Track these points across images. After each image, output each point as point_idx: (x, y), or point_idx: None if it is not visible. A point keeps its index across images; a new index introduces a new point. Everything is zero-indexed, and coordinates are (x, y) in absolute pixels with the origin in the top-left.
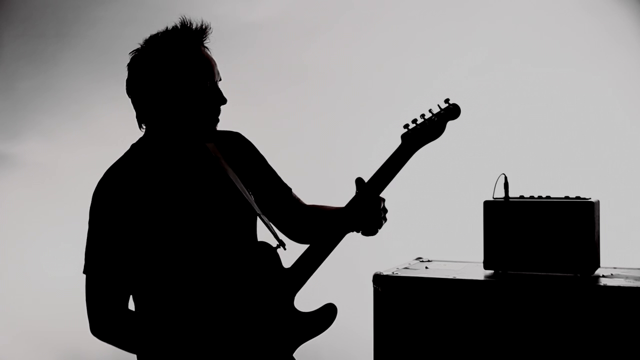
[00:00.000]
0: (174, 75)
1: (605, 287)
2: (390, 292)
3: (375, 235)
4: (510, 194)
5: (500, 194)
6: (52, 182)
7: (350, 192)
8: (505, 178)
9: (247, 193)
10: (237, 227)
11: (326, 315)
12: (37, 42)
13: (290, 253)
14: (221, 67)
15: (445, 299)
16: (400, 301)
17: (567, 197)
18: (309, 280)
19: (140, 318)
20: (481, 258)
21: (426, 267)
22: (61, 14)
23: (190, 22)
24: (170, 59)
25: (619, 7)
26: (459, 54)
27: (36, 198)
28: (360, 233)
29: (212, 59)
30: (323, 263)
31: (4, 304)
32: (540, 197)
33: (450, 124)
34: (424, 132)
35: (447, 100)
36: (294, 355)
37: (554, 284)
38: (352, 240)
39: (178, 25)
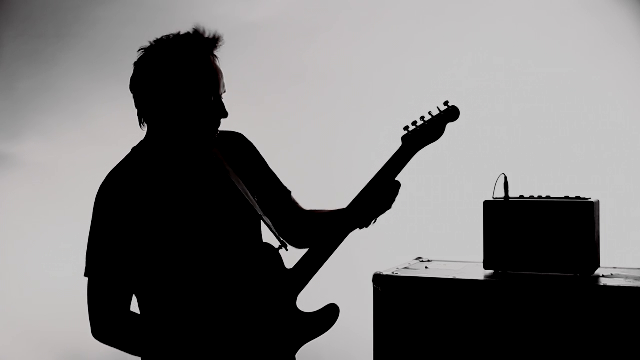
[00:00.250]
0: (180, 82)
1: (605, 287)
2: (390, 292)
3: (374, 231)
4: (510, 194)
5: (500, 194)
6: (52, 182)
7: (350, 192)
8: (505, 178)
9: (250, 195)
10: (240, 229)
11: (329, 315)
12: (37, 42)
13: (293, 254)
14: (221, 66)
15: (445, 299)
16: (400, 301)
17: (567, 197)
18: (310, 281)
19: (143, 320)
20: (481, 258)
21: (426, 267)
22: (61, 14)
23: (204, 31)
24: (178, 64)
25: (619, 7)
26: (459, 54)
27: (36, 198)
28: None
29: (220, 70)
30: (325, 264)
31: (4, 304)
32: (540, 197)
33: (449, 125)
34: (423, 133)
35: (446, 103)
36: (296, 356)
37: (554, 284)
38: (352, 240)
39: (191, 32)
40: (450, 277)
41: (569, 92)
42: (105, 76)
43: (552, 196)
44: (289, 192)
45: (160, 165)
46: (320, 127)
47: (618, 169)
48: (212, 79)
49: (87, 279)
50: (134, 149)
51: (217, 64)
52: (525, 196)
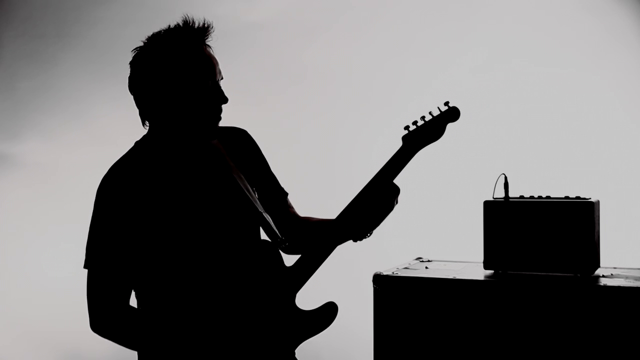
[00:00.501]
0: (175, 74)
1: (605, 287)
2: (390, 292)
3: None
4: (510, 194)
5: (500, 194)
6: (52, 182)
7: (350, 192)
8: (505, 178)
9: (251, 191)
10: (240, 225)
11: (327, 313)
12: (38, 42)
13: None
14: (221, 67)
15: (445, 299)
16: (400, 301)
17: (567, 197)
18: (309, 280)
19: (141, 314)
20: (481, 258)
21: (426, 267)
22: (62, 14)
23: (193, 21)
24: (172, 57)
25: (619, 7)
26: (459, 54)
27: (36, 198)
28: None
29: (214, 57)
30: (324, 262)
31: (4, 304)
32: (540, 197)
33: (449, 125)
34: (424, 133)
35: (447, 103)
36: (296, 352)
37: (554, 284)
38: None
39: (180, 24)
40: (450, 277)
41: (569, 92)
42: (105, 76)
43: (552, 196)
44: (286, 194)
45: (163, 159)
46: (320, 127)
47: (618, 169)
48: (207, 66)
49: (86, 274)
50: (136, 143)
51: (210, 51)
52: (525, 196)
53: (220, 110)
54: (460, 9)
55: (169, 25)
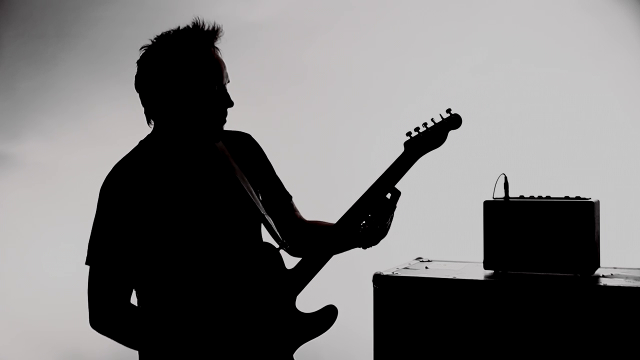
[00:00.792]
0: (183, 75)
1: (605, 287)
2: (390, 292)
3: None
4: (510, 194)
5: (500, 194)
6: (52, 182)
7: (350, 192)
8: (505, 178)
9: (254, 193)
10: (242, 226)
11: (326, 316)
12: (38, 42)
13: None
14: (223, 57)
15: (445, 299)
16: (400, 301)
17: (567, 197)
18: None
19: (142, 313)
20: (481, 258)
21: (426, 267)
22: (61, 14)
23: (203, 23)
24: (180, 58)
25: (619, 7)
26: (460, 54)
27: (36, 198)
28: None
29: (222, 61)
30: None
31: (4, 304)
32: (540, 197)
33: (451, 132)
34: (426, 140)
35: (449, 110)
36: (294, 355)
37: (554, 284)
38: None
39: (190, 25)
40: (450, 277)
41: (569, 92)
42: (105, 76)
43: (552, 196)
44: (290, 197)
45: (167, 158)
46: (320, 127)
47: (618, 169)
48: (215, 69)
49: (87, 273)
50: (141, 142)
51: (219, 54)
52: (525, 196)
53: (226, 114)
54: (460, 9)
55: (179, 26)
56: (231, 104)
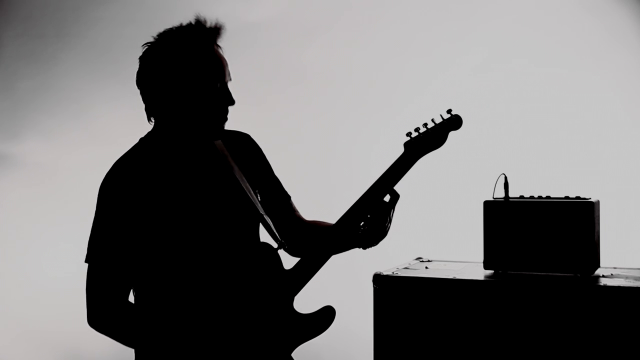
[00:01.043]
0: (185, 72)
1: (605, 287)
2: (390, 292)
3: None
4: (510, 194)
5: (500, 194)
6: (52, 182)
7: (350, 192)
8: (505, 178)
9: (253, 193)
10: (240, 226)
11: (324, 317)
12: (37, 42)
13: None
14: (225, 55)
15: (445, 299)
16: (400, 301)
17: (567, 197)
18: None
19: (139, 312)
20: (481, 258)
21: (426, 267)
22: (61, 14)
23: (205, 20)
24: (183, 56)
25: (619, 7)
26: (460, 54)
27: (36, 198)
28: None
29: (224, 58)
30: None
31: (4, 304)
32: (540, 197)
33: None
34: (426, 140)
35: (449, 111)
36: (292, 355)
37: (554, 284)
38: None
39: (193, 22)
40: (450, 277)
41: (569, 92)
42: (105, 76)
43: (552, 196)
44: (289, 197)
45: (166, 156)
46: (320, 127)
47: (618, 169)
48: (217, 67)
49: (86, 270)
50: (141, 140)
51: (221, 52)
52: (525, 196)
53: (227, 112)
54: (460, 9)
55: (181, 23)
56: (233, 102)
